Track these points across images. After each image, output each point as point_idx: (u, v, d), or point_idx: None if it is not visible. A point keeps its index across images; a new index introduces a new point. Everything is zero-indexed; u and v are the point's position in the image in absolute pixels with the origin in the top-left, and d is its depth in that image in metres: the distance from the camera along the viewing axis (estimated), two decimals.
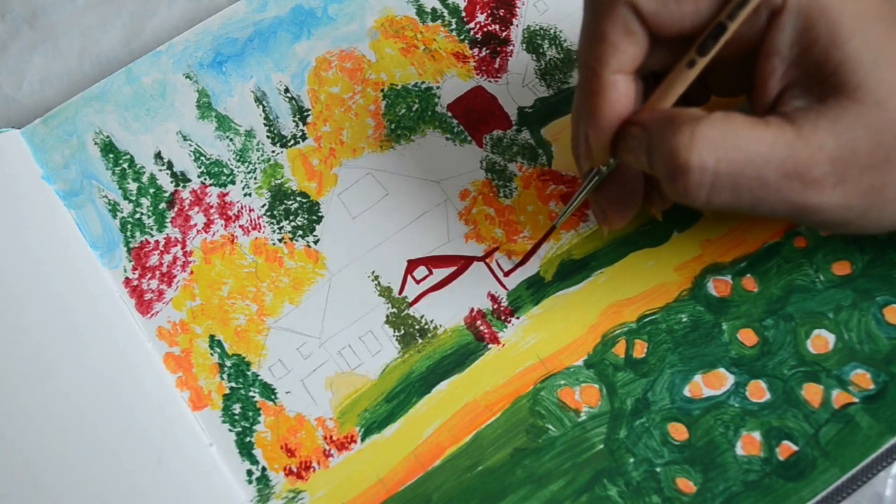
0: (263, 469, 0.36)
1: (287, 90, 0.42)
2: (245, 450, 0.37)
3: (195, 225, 0.40)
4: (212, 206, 0.40)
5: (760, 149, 0.27)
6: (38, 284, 0.39)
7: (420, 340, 0.37)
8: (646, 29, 0.29)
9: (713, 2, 0.28)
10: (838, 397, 0.34)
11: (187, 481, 0.36)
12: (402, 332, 0.38)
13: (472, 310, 0.38)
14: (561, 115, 0.40)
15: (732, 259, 0.37)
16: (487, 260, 0.38)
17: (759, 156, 0.27)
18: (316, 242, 0.39)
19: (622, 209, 0.34)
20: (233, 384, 0.37)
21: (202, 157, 0.41)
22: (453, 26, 0.42)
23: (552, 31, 0.42)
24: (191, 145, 0.41)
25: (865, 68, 0.27)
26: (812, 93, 0.28)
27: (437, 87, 0.41)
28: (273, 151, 0.41)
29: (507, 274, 0.38)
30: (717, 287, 0.36)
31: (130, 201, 0.41)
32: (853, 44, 0.27)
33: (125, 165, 0.41)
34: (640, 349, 0.36)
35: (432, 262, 0.38)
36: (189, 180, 0.41)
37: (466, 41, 0.42)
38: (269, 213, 0.40)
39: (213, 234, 0.40)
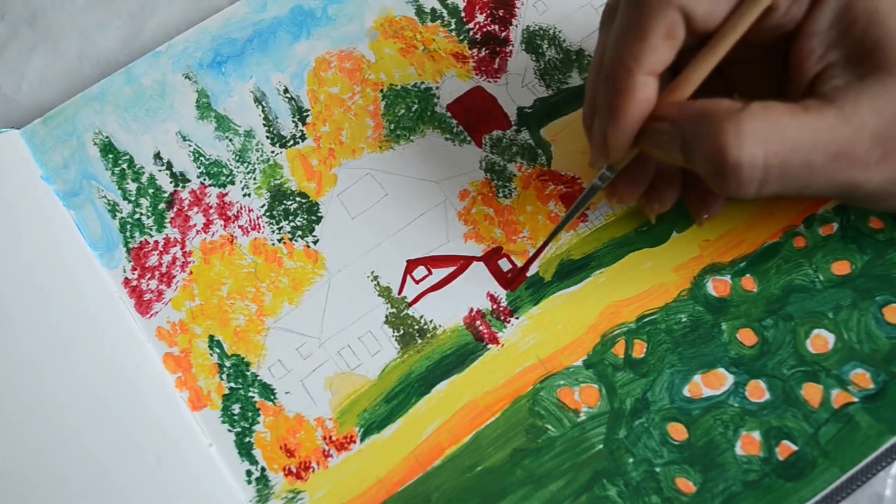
0: (263, 469, 0.36)
1: (286, 90, 0.42)
2: (244, 450, 0.36)
3: (194, 225, 0.40)
4: (211, 207, 0.40)
5: (805, 135, 0.27)
6: (37, 284, 0.39)
7: (419, 340, 0.37)
8: (688, 31, 0.29)
9: None
10: (838, 397, 0.34)
11: (187, 481, 0.36)
12: (402, 332, 0.38)
13: (472, 310, 0.38)
14: (560, 115, 0.40)
15: (731, 259, 0.37)
16: (489, 261, 0.38)
17: (804, 143, 0.27)
18: (315, 243, 0.39)
19: (633, 187, 0.34)
20: (232, 384, 0.37)
21: (202, 158, 0.41)
22: (453, 27, 0.43)
23: (551, 32, 0.42)
24: (190, 145, 0.41)
25: None
26: (851, 72, 0.28)
27: (437, 88, 0.41)
28: (272, 152, 0.41)
29: (507, 282, 0.38)
30: (716, 287, 0.36)
31: (130, 201, 0.41)
32: (892, 21, 0.28)
33: (125, 166, 0.41)
34: (639, 349, 0.36)
35: (432, 262, 0.38)
36: (188, 180, 0.41)
37: (466, 41, 0.42)
38: (268, 214, 0.40)
39: (213, 234, 0.40)
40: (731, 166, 0.28)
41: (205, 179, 0.41)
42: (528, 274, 0.38)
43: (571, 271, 0.38)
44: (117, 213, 0.40)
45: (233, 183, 0.41)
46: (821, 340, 0.35)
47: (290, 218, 0.40)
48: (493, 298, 0.38)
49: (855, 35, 0.28)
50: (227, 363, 0.38)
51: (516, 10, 0.42)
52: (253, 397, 0.37)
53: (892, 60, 0.28)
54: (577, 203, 0.35)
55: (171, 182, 0.41)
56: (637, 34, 0.29)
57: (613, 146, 0.31)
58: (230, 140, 0.41)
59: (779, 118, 0.28)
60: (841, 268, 0.36)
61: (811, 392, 0.34)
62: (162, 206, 0.40)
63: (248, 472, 0.36)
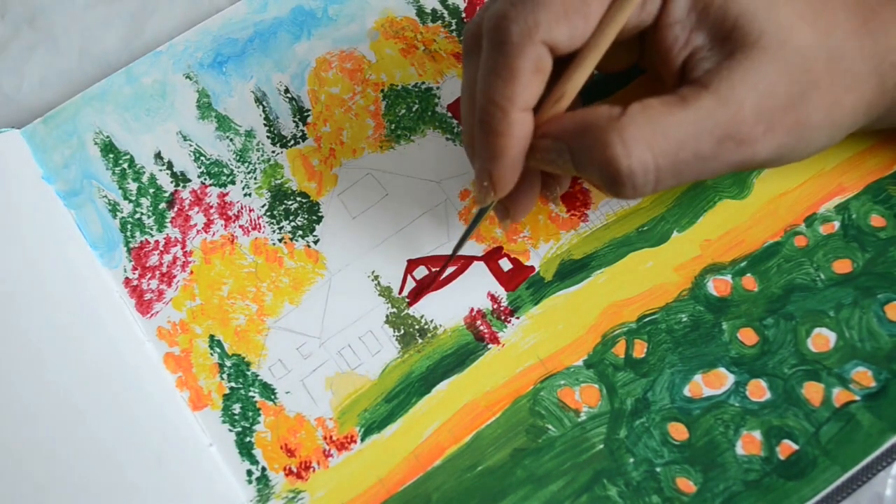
0: (263, 469, 0.36)
1: (287, 90, 0.42)
2: (245, 450, 0.36)
3: (195, 225, 0.40)
4: (212, 206, 0.40)
5: (688, 127, 0.28)
6: (37, 284, 0.39)
7: (420, 340, 0.37)
8: (554, 57, 0.30)
9: (601, 8, 0.29)
10: (839, 395, 0.34)
11: (187, 481, 0.36)
12: (402, 332, 0.38)
13: (472, 310, 0.38)
14: None
15: (732, 259, 0.37)
16: (490, 261, 0.38)
17: (690, 135, 0.28)
18: (316, 242, 0.39)
19: (524, 203, 0.34)
20: (233, 384, 0.37)
21: (202, 158, 0.41)
22: (453, 27, 0.43)
23: None
24: (191, 145, 0.41)
25: (762, 15, 0.28)
26: (718, 52, 0.29)
27: (438, 88, 0.42)
28: (273, 152, 0.41)
29: (413, 295, 0.38)
30: (716, 287, 0.36)
31: (130, 201, 0.41)
32: None
33: (125, 165, 0.41)
34: (639, 349, 0.36)
35: (432, 262, 0.38)
36: (189, 180, 0.41)
37: None
38: (269, 214, 0.40)
39: (213, 234, 0.40)
40: (623, 175, 0.28)
41: (205, 179, 0.41)
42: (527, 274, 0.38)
43: (572, 271, 0.38)
44: (118, 213, 0.40)
45: (233, 183, 0.41)
46: (822, 339, 0.35)
47: (291, 218, 0.40)
48: (493, 298, 0.38)
49: (713, 16, 0.29)
50: (228, 363, 0.38)
51: None
52: (253, 397, 0.37)
53: (754, 34, 0.28)
54: (467, 229, 0.35)
55: (171, 182, 0.41)
56: (506, 74, 0.29)
57: (500, 184, 0.31)
58: (231, 140, 0.41)
59: (659, 117, 0.28)
60: (842, 266, 0.36)
61: (812, 391, 0.34)
62: (162, 205, 0.40)
63: (249, 472, 0.36)
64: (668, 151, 0.28)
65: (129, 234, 0.40)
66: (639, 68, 0.35)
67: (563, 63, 0.30)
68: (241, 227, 0.40)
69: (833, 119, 0.30)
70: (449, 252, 0.38)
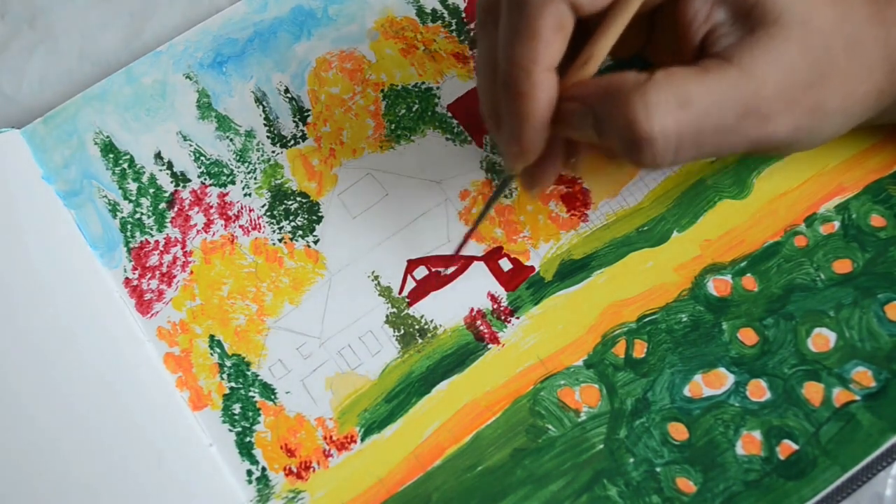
0: (263, 469, 0.36)
1: (287, 90, 0.42)
2: (245, 450, 0.36)
3: (195, 225, 0.40)
4: (212, 206, 0.40)
5: (712, 97, 0.28)
6: (38, 284, 0.39)
7: (420, 340, 0.37)
8: (577, 16, 0.29)
9: None
10: (839, 395, 0.34)
11: (187, 481, 0.36)
12: (402, 332, 0.38)
13: (472, 310, 0.38)
14: None
15: (732, 259, 0.37)
16: (490, 261, 0.38)
17: (713, 104, 0.27)
18: (316, 242, 0.39)
19: (550, 171, 0.34)
20: (233, 384, 0.37)
21: (202, 158, 0.41)
22: (453, 27, 0.43)
23: None
24: (191, 145, 0.41)
25: None
26: (740, 28, 0.29)
27: (438, 88, 0.42)
28: (273, 152, 0.41)
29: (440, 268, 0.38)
30: (717, 287, 0.36)
31: (130, 201, 0.41)
32: None
33: (125, 165, 0.41)
34: (639, 349, 0.36)
35: (432, 262, 0.38)
36: (189, 180, 0.41)
37: (466, 42, 0.42)
38: (269, 214, 0.40)
39: (213, 234, 0.40)
40: (644, 140, 0.27)
41: (205, 179, 0.41)
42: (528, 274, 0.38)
43: (572, 271, 0.38)
44: (118, 213, 0.40)
45: (233, 183, 0.41)
46: (822, 339, 0.35)
47: (291, 218, 0.40)
48: (493, 298, 0.38)
49: None
50: (228, 363, 0.38)
51: None
52: (253, 397, 0.37)
53: (776, 12, 0.28)
54: (489, 200, 0.35)
55: (171, 182, 0.41)
56: (528, 34, 0.29)
57: (529, 147, 0.31)
58: (231, 140, 0.41)
59: (684, 84, 0.28)
60: (842, 266, 0.36)
61: (812, 391, 0.34)
62: (162, 205, 0.40)
63: (249, 472, 0.36)
64: (691, 120, 0.27)
65: (129, 234, 0.40)
66: (644, 61, 0.34)
67: (587, 30, 0.30)
68: (241, 227, 0.40)
69: (847, 105, 0.30)
70: (449, 252, 0.38)
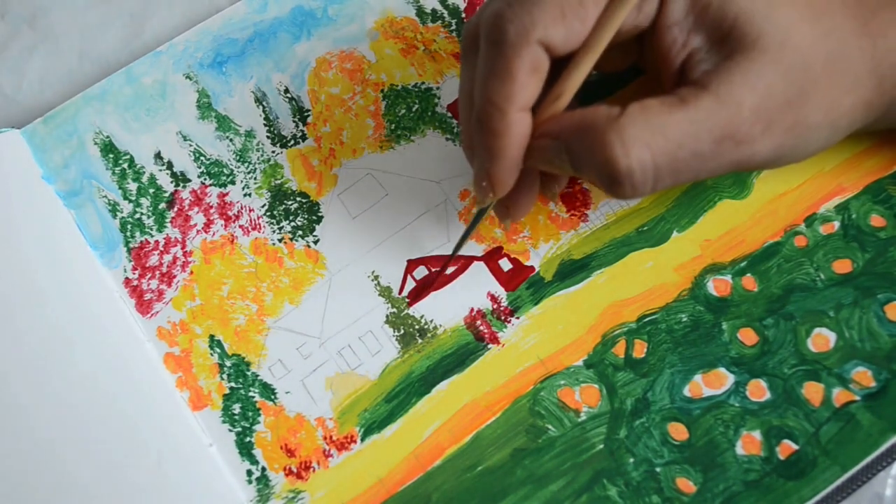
0: (263, 469, 0.36)
1: (287, 90, 0.42)
2: (245, 450, 0.36)
3: (195, 225, 0.40)
4: (212, 207, 0.40)
5: (687, 127, 0.28)
6: (37, 284, 0.39)
7: (420, 340, 0.37)
8: (551, 57, 0.30)
9: (597, 10, 0.29)
10: (839, 395, 0.34)
11: (187, 481, 0.36)
12: (402, 332, 0.38)
13: (472, 310, 0.38)
14: None
15: (732, 259, 0.37)
16: (490, 261, 0.38)
17: (688, 135, 0.28)
18: (316, 242, 0.39)
19: (524, 203, 0.34)
20: (233, 384, 0.37)
21: (202, 158, 0.41)
22: (453, 27, 0.43)
23: None
24: (191, 145, 0.41)
25: (761, 16, 0.28)
26: (717, 53, 0.29)
27: (437, 88, 0.42)
28: (273, 152, 0.41)
29: (413, 295, 0.38)
30: (716, 287, 0.36)
31: (130, 201, 0.41)
32: None
33: (125, 165, 0.41)
34: (639, 349, 0.36)
35: (432, 262, 0.38)
36: (189, 180, 0.41)
37: None
38: (269, 214, 0.40)
39: (213, 234, 0.40)
40: (623, 175, 0.28)
41: (205, 179, 0.41)
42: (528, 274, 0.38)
43: (572, 271, 0.38)
44: (118, 213, 0.40)
45: (233, 183, 0.41)
46: (822, 339, 0.35)
47: (291, 218, 0.40)
48: (493, 298, 0.38)
49: (711, 17, 0.29)
50: (228, 363, 0.38)
51: None
52: (253, 397, 0.37)
53: (753, 35, 0.28)
54: (467, 229, 0.35)
55: (171, 182, 0.41)
56: (503, 75, 0.29)
57: (499, 184, 0.32)
58: (231, 140, 0.41)
59: (658, 116, 0.28)
60: (842, 266, 0.36)
61: (812, 391, 0.34)
62: (162, 205, 0.40)
63: (249, 472, 0.36)
64: (667, 150, 0.28)
65: (129, 234, 0.40)
66: (639, 69, 0.35)
67: (560, 64, 0.30)
68: (241, 227, 0.40)
69: (831, 119, 0.30)
70: (449, 252, 0.38)
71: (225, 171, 0.41)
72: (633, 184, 0.28)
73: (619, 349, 0.36)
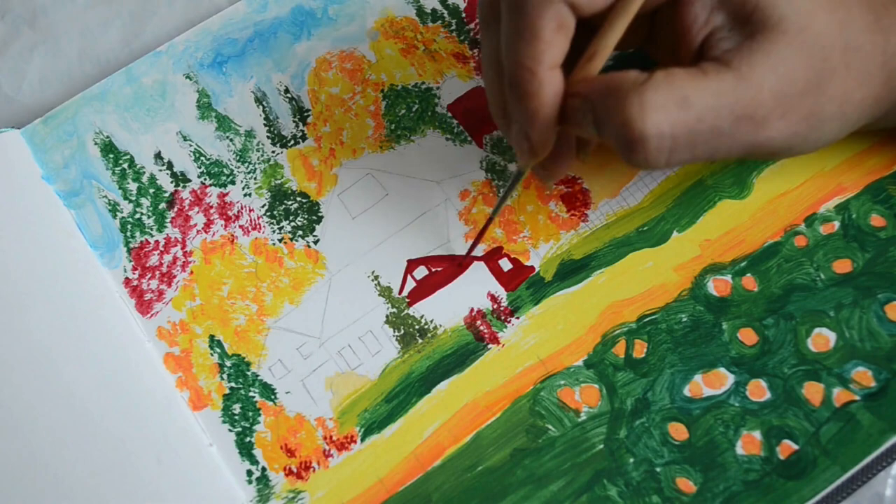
0: (263, 469, 0.36)
1: (287, 90, 0.42)
2: (245, 450, 0.36)
3: (195, 225, 0.40)
4: (212, 207, 0.40)
5: (708, 100, 0.28)
6: (38, 284, 0.39)
7: (420, 340, 0.37)
8: (577, 18, 0.29)
9: None
10: (839, 395, 0.34)
11: (187, 481, 0.36)
12: (402, 332, 0.38)
13: (472, 310, 0.38)
14: None
15: (732, 259, 0.37)
16: (489, 261, 0.38)
17: (709, 108, 0.28)
18: (316, 242, 0.39)
19: (563, 162, 0.34)
20: (233, 384, 0.37)
21: (202, 158, 0.41)
22: (453, 27, 0.43)
23: None
24: (191, 145, 0.41)
25: (783, 0, 0.28)
26: (739, 33, 0.29)
27: (437, 88, 0.42)
28: (273, 152, 0.41)
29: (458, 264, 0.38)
30: (717, 287, 0.36)
31: (130, 201, 0.41)
32: None
33: (125, 165, 0.41)
34: (639, 349, 0.36)
35: (432, 262, 0.38)
36: (189, 180, 0.41)
37: (466, 42, 0.42)
38: (269, 214, 0.40)
39: (213, 234, 0.40)
40: (637, 139, 0.28)
41: (205, 179, 0.41)
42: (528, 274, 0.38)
43: (572, 271, 0.38)
44: (118, 213, 0.40)
45: (233, 183, 0.41)
46: (822, 339, 0.35)
47: (291, 218, 0.40)
48: (493, 298, 0.38)
49: None
50: (228, 363, 0.38)
51: None
52: (253, 397, 0.37)
53: (776, 17, 0.28)
54: (505, 192, 0.35)
55: (171, 182, 0.41)
56: (529, 35, 0.29)
57: (539, 145, 0.31)
58: (231, 140, 0.41)
59: (682, 85, 0.28)
60: (842, 266, 0.36)
61: (812, 391, 0.34)
62: (162, 205, 0.40)
63: (249, 472, 0.36)
64: (686, 121, 0.28)
65: (129, 234, 0.40)
66: (649, 58, 0.34)
67: (588, 30, 0.30)
68: (241, 227, 0.40)
69: (844, 111, 0.30)
70: (449, 252, 0.38)
71: (225, 171, 0.41)
72: (648, 151, 0.28)
73: (619, 349, 0.36)
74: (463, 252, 0.38)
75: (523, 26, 0.29)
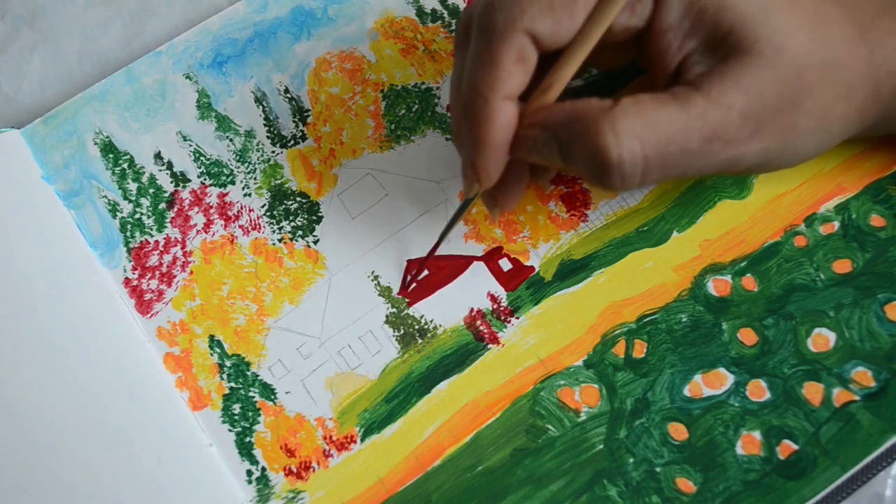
0: (263, 469, 0.36)
1: (287, 91, 0.42)
2: (245, 450, 0.36)
3: (195, 225, 0.40)
4: (212, 207, 0.40)
5: (678, 124, 0.28)
6: (37, 284, 0.39)
7: (420, 340, 0.37)
8: (538, 52, 0.30)
9: (588, 7, 0.29)
10: (839, 395, 0.34)
11: (187, 481, 0.36)
12: (402, 332, 0.38)
13: (472, 310, 0.38)
14: None
15: (732, 259, 0.37)
16: (489, 261, 0.38)
17: (678, 131, 0.28)
18: (316, 242, 0.39)
19: (512, 194, 0.34)
20: (233, 384, 0.37)
21: (202, 158, 0.41)
22: (453, 27, 0.43)
23: None
24: (191, 145, 0.41)
25: (757, 22, 0.28)
26: (711, 57, 0.29)
27: (437, 88, 0.42)
28: (273, 152, 0.41)
29: (404, 288, 0.38)
30: (716, 287, 0.36)
31: (130, 201, 0.41)
32: (742, 4, 0.29)
33: (125, 165, 0.41)
34: (639, 349, 0.36)
35: (432, 262, 0.38)
36: (189, 180, 0.41)
37: None
38: (268, 214, 0.40)
39: (213, 234, 0.40)
40: (613, 164, 0.28)
41: (205, 179, 0.41)
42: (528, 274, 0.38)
43: (572, 271, 0.38)
44: (118, 213, 0.40)
45: (233, 183, 0.41)
46: (822, 339, 0.35)
47: (291, 218, 0.40)
48: (493, 298, 0.38)
49: (708, 23, 0.29)
50: (228, 363, 0.38)
51: None
52: (253, 397, 0.37)
53: (749, 41, 0.28)
54: (452, 217, 0.36)
55: (171, 182, 0.41)
56: (489, 63, 0.30)
57: (484, 174, 0.32)
58: (231, 140, 0.41)
59: (651, 111, 0.28)
60: (842, 266, 0.36)
61: (812, 391, 0.34)
62: (162, 205, 0.40)
63: (249, 472, 0.36)
64: (657, 144, 0.28)
65: (128, 234, 0.40)
66: (638, 68, 0.35)
67: (551, 61, 0.30)
68: (240, 227, 0.40)
69: (822, 125, 0.30)
70: (450, 252, 0.38)
71: (225, 171, 0.41)
72: (623, 174, 0.28)
73: (619, 349, 0.36)
74: (462, 252, 0.38)
75: (484, 52, 0.30)
